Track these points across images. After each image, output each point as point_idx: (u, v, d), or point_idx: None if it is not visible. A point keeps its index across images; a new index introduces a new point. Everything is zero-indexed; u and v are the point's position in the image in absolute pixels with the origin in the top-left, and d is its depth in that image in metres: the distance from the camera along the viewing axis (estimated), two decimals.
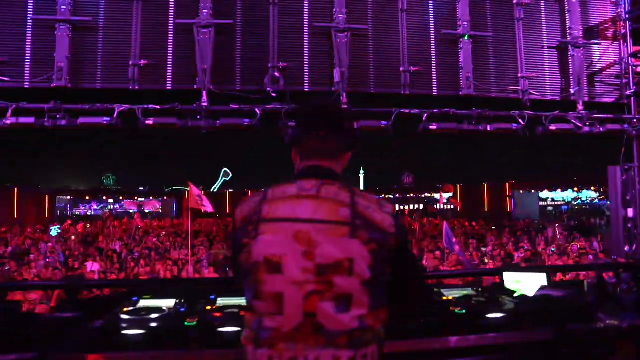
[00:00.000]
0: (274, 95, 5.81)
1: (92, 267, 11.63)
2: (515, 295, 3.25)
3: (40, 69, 5.59)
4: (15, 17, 5.63)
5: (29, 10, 5.66)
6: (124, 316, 2.70)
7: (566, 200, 31.56)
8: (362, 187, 54.08)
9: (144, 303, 3.06)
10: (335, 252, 1.65)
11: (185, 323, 2.67)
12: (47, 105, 5.43)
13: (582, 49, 6.69)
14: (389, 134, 6.18)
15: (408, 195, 41.48)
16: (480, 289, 3.30)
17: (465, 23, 6.36)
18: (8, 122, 5.36)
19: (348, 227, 1.66)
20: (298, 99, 5.98)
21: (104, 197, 33.44)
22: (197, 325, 2.66)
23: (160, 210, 33.96)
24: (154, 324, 2.68)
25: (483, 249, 16.08)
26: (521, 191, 31.80)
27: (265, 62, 6.02)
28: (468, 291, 3.26)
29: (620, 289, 3.05)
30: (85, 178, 32.82)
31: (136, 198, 34.02)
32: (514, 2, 6.57)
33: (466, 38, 6.33)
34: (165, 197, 34.60)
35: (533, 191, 31.66)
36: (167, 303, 3.05)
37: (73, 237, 20.11)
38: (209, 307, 2.94)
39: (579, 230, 19.28)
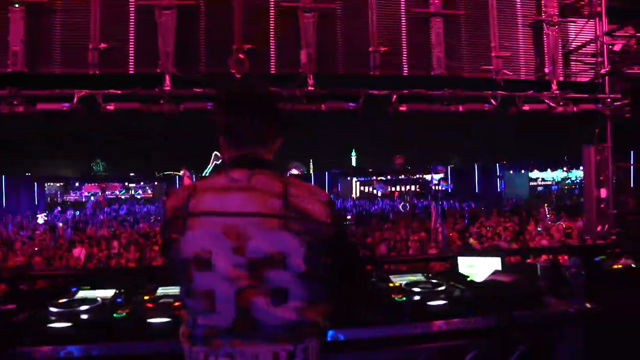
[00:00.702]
0: (238, 77, 5.66)
1: (80, 253, 11.64)
2: (467, 280, 3.20)
3: None
4: None
5: None
6: (52, 308, 2.62)
7: (556, 180, 31.65)
8: (353, 169, 54.12)
9: (81, 294, 2.99)
10: (267, 245, 1.57)
11: (114, 315, 2.59)
12: (3, 92, 5.28)
13: (557, 27, 6.55)
14: (357, 115, 6.08)
15: (400, 177, 41.55)
16: (430, 275, 3.24)
17: (437, 1, 6.19)
18: None
19: (279, 220, 1.58)
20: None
21: (94, 184, 33.32)
22: (127, 317, 2.59)
23: (152, 195, 33.89)
24: (83, 316, 2.61)
25: (476, 229, 16.12)
26: (511, 172, 31.84)
27: (230, 43, 5.86)
28: (418, 277, 3.19)
29: (570, 273, 3.00)
30: (75, 164, 32.63)
31: (126, 184, 33.92)
32: None
33: (437, 17, 6.17)
34: (156, 182, 34.52)
35: (523, 171, 31.71)
36: (106, 294, 2.97)
37: (60, 224, 20.03)
38: (146, 297, 2.87)
39: (566, 209, 19.34)
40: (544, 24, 6.53)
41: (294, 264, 1.58)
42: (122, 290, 3.00)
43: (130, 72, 5.70)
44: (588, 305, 2.90)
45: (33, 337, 2.45)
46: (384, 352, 2.56)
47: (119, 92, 5.52)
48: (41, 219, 19.32)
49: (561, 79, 6.59)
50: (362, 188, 43.84)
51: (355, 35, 6.12)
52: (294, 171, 59.81)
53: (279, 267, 1.57)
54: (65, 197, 32.06)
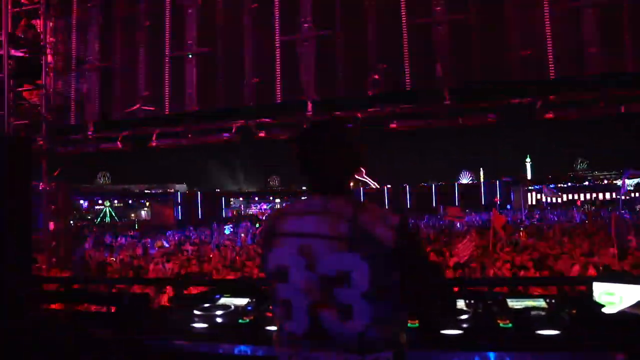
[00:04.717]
0: (370, 95, 5.92)
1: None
2: (597, 310, 2.87)
3: (175, 97, 6.62)
4: (153, 56, 6.77)
5: (166, 48, 6.73)
6: (196, 311, 3.16)
7: None
8: (529, 176, 49.68)
9: (222, 301, 3.49)
10: (335, 265, 1.79)
11: (240, 320, 3.02)
12: (180, 129, 6.42)
13: None
14: (500, 127, 5.78)
15: (583, 184, 36.65)
16: (553, 301, 2.98)
17: None
18: (154, 144, 6.47)
19: (347, 242, 1.79)
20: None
21: (271, 198, 36.97)
22: (249, 323, 2.99)
23: None
24: (217, 319, 3.10)
25: None
26: None
27: (365, 65, 6.14)
28: (537, 302, 2.96)
29: None
30: (254, 180, 36.94)
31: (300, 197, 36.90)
32: None
33: (589, 7, 5.53)
34: None
35: None
36: (240, 302, 3.43)
37: (243, 235, 22.67)
38: (271, 307, 3.24)
39: None
40: None
41: (359, 283, 1.74)
42: (254, 300, 3.44)
43: (277, 101, 6.36)
44: None
45: (182, 334, 3.01)
46: None
47: (268, 120, 6.22)
48: (227, 230, 22.23)
49: None
50: (538, 197, 40.00)
51: (491, 42, 5.84)
52: (463, 180, 57.51)
53: (344, 285, 1.74)
54: (247, 210, 36.32)
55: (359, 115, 6.10)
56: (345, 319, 1.75)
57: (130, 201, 35.83)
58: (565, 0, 5.66)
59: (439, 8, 5.88)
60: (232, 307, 3.26)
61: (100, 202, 38.14)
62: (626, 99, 5.45)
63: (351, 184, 2.03)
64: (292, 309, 1.84)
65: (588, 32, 5.61)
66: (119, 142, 6.49)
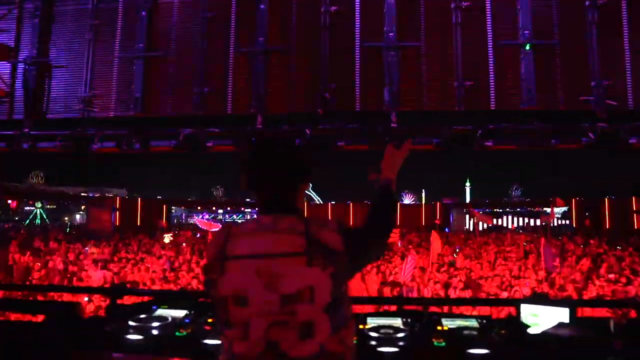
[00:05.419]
0: (320, 112, 6.02)
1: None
2: (524, 330, 3.05)
3: (121, 100, 6.43)
4: (104, 56, 6.55)
5: (115, 49, 6.54)
6: (131, 322, 3.05)
7: None
8: (467, 199, 51.91)
9: (159, 312, 3.39)
10: (297, 281, 1.76)
11: (177, 333, 2.95)
12: (124, 132, 6.21)
13: None
14: (443, 152, 6.04)
15: (517, 209, 38.85)
16: (485, 321, 3.13)
17: (527, 32, 5.98)
18: (95, 147, 6.22)
19: (305, 256, 1.77)
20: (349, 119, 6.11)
21: (214, 208, 36.22)
22: (186, 336, 2.92)
23: None
24: (153, 332, 3.00)
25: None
26: None
27: (317, 83, 6.24)
28: (470, 322, 3.11)
29: None
30: (198, 189, 36.19)
31: (242, 209, 36.39)
32: (587, 3, 6.01)
33: (527, 48, 5.95)
34: None
35: None
36: (178, 314, 3.34)
37: (184, 244, 22.01)
38: (210, 320, 3.19)
39: None
40: None
41: (321, 297, 1.74)
42: (192, 312, 3.36)
43: (228, 112, 6.32)
44: None
45: (113, 345, 2.89)
46: None
47: (216, 130, 6.16)
48: (167, 239, 21.51)
49: None
50: (475, 219, 41.79)
51: (440, 71, 6.13)
52: (405, 200, 59.12)
53: (307, 301, 1.73)
54: (189, 220, 35.40)
55: (308, 131, 6.17)
56: (306, 337, 1.74)
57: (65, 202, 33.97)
58: (507, 38, 6.06)
59: (391, 34, 6.10)
60: (170, 318, 3.18)
61: (30, 202, 35.92)
62: (555, 134, 5.87)
63: (302, 199, 2.05)
64: (249, 331, 1.79)
65: (525, 70, 6.02)
66: (57, 142, 6.18)
